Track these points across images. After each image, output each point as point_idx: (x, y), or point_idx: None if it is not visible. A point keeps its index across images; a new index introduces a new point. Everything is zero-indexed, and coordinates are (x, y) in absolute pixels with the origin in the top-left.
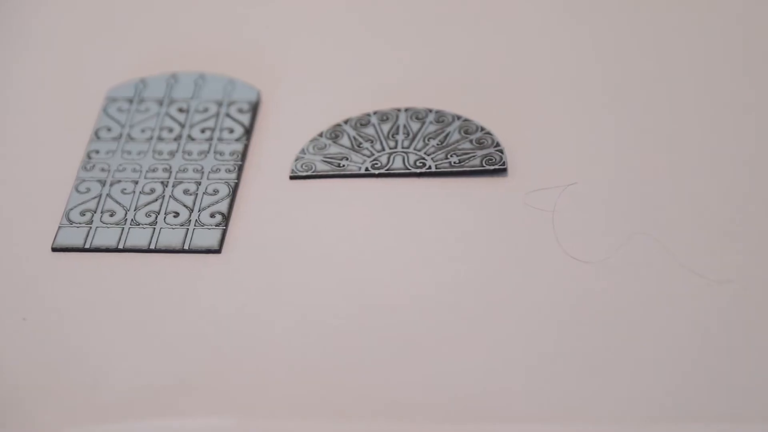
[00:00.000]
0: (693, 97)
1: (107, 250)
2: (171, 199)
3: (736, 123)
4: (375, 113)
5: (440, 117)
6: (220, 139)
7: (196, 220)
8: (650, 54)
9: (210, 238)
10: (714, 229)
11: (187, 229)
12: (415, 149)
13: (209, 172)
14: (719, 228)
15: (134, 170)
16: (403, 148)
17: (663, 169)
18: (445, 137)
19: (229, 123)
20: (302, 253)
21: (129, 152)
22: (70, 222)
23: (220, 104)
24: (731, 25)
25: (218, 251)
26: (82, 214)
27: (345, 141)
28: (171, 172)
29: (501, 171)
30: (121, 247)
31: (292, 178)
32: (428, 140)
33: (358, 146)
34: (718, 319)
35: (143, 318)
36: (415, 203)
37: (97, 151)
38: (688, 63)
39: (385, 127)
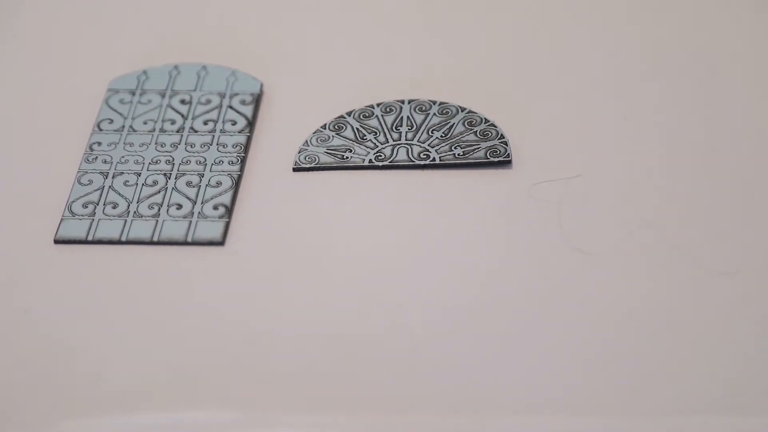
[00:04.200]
0: (697, 90)
1: (110, 242)
2: (174, 191)
3: (740, 115)
4: (379, 105)
5: (444, 109)
6: (222, 131)
7: (199, 212)
8: (655, 45)
9: (213, 230)
10: (718, 221)
11: (190, 221)
12: (419, 141)
13: (212, 164)
14: (723, 220)
15: (137, 162)
16: (407, 140)
17: (667, 161)
18: (449, 129)
19: (231, 115)
20: (305, 245)
21: (131, 144)
22: (73, 214)
23: (222, 96)
24: (733, 19)
25: (221, 243)
26: (85, 206)
27: (348, 133)
28: (174, 164)
29: (505, 163)
30: (123, 239)
31: (295, 170)
32: (432, 132)
33: (362, 138)
34: (721, 312)
35: (145, 311)
36: (419, 195)
37: (100, 143)
38: (691, 55)
39: (389, 119)
